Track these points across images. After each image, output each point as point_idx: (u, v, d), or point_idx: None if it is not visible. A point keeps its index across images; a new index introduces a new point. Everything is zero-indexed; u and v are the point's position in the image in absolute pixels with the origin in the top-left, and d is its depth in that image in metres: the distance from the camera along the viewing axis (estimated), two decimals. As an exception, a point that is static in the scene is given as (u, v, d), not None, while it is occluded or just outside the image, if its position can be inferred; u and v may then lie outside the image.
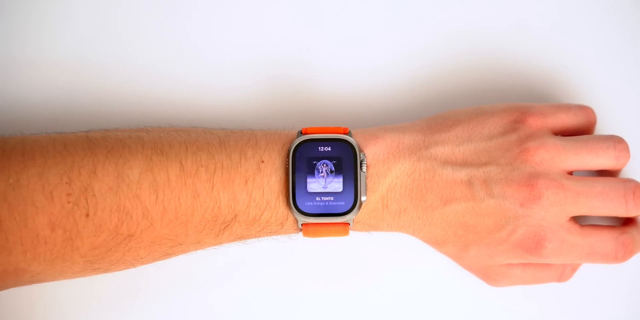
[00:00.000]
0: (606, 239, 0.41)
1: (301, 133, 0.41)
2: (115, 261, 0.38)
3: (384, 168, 0.40)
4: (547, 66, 0.49)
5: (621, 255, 0.41)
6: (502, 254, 0.42)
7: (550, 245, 0.40)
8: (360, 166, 0.40)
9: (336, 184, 0.40)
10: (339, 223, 0.40)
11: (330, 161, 0.40)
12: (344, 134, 0.41)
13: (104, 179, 0.37)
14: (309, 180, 0.39)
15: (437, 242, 0.43)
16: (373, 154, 0.41)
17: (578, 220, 0.44)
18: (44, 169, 0.36)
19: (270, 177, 0.39)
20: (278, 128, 0.43)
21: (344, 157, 0.40)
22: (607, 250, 0.41)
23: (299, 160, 0.40)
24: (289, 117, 0.48)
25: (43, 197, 0.36)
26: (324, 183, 0.40)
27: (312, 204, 0.39)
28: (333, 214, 0.40)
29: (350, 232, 0.41)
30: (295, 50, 0.48)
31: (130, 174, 0.37)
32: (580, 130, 0.44)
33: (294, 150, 0.40)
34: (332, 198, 0.40)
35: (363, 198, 0.40)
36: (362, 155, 0.40)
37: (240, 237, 0.41)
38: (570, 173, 0.42)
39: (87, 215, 0.36)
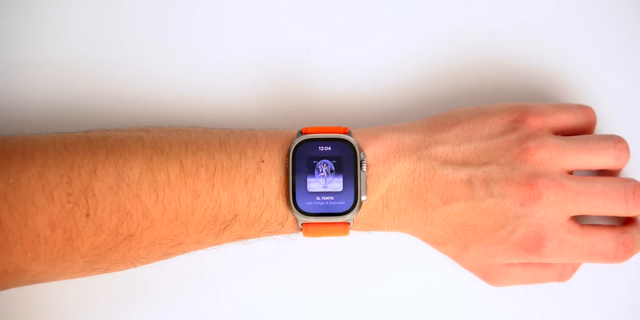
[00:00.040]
0: (606, 239, 0.41)
1: (301, 133, 0.41)
2: (116, 261, 0.38)
3: (384, 168, 0.40)
4: (547, 66, 0.49)
5: (621, 254, 0.41)
6: (502, 253, 0.42)
7: (551, 244, 0.40)
8: (361, 166, 0.40)
9: (336, 184, 0.40)
10: (339, 223, 0.40)
11: (331, 161, 0.40)
12: (344, 133, 0.41)
13: (104, 179, 0.37)
14: (309, 179, 0.39)
15: (437, 242, 0.43)
16: (373, 153, 0.41)
17: (578, 219, 0.44)
18: (44, 169, 0.36)
19: (270, 177, 0.39)
20: (278, 128, 0.43)
21: (344, 157, 0.40)
22: (608, 250, 0.41)
23: (299, 160, 0.40)
24: (289, 117, 0.48)
25: (43, 197, 0.35)
26: (324, 183, 0.40)
27: (312, 203, 0.39)
28: (333, 214, 0.40)
29: (350, 231, 0.41)
30: (295, 50, 0.48)
31: (130, 174, 0.37)
32: (581, 130, 0.44)
33: (294, 150, 0.40)
34: (332, 198, 0.40)
35: (363, 198, 0.40)
36: (362, 155, 0.40)
37: (241, 237, 0.41)
38: (571, 173, 0.42)
39: (87, 215, 0.36)
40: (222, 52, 0.48)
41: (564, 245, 0.41)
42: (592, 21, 0.49)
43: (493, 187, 0.40)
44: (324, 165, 0.40)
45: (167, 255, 0.40)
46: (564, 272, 0.44)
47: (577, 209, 0.40)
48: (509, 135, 0.41)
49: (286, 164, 0.40)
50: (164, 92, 0.47)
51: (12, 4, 0.47)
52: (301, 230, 0.40)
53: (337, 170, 0.40)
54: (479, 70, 0.49)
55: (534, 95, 0.49)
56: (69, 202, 0.36)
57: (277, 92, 0.48)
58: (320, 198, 0.40)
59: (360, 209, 0.40)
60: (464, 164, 0.41)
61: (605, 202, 0.40)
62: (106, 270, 0.39)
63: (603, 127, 0.47)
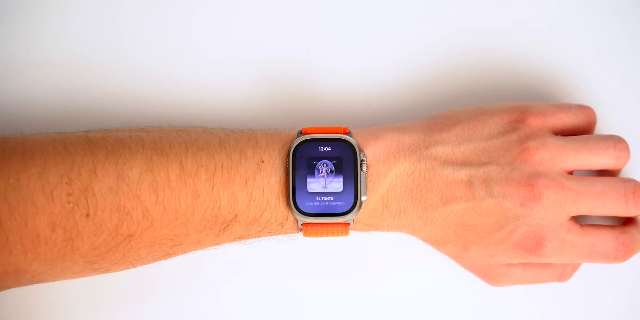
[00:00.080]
0: (606, 239, 0.41)
1: (301, 133, 0.41)
2: (116, 261, 0.38)
3: (384, 168, 0.40)
4: (547, 66, 0.49)
5: (621, 254, 0.41)
6: (502, 253, 0.42)
7: (551, 244, 0.40)
8: (361, 166, 0.40)
9: (336, 184, 0.40)
10: (339, 223, 0.40)
11: (331, 161, 0.40)
12: (344, 133, 0.41)
13: (104, 179, 0.37)
14: (309, 180, 0.39)
15: (437, 242, 0.43)
16: (373, 153, 0.41)
17: (578, 220, 0.44)
18: (44, 169, 0.36)
19: (270, 177, 0.39)
20: (278, 128, 0.43)
21: (344, 157, 0.40)
22: (607, 250, 0.41)
23: (299, 160, 0.40)
24: (289, 117, 0.48)
25: (43, 197, 0.36)
26: (324, 183, 0.40)
27: (312, 203, 0.39)
28: (333, 214, 0.40)
29: (350, 232, 0.41)
30: (295, 50, 0.48)
31: (131, 174, 0.37)
32: (581, 130, 0.44)
33: (294, 150, 0.40)
34: (332, 198, 0.40)
35: (363, 198, 0.40)
36: (362, 155, 0.40)
37: (241, 237, 0.41)
38: (571, 173, 0.42)
39: (88, 215, 0.36)
40: (222, 52, 0.48)
41: (564, 245, 0.41)
42: (592, 21, 0.49)
43: (493, 187, 0.40)
44: (324, 165, 0.40)
45: (167, 255, 0.40)
46: (564, 272, 0.44)
47: (577, 209, 0.40)
48: (509, 135, 0.41)
49: (286, 164, 0.40)
50: (164, 92, 0.47)
51: (13, 4, 0.47)
52: (301, 230, 0.40)
53: (337, 170, 0.40)
54: (479, 70, 0.49)
55: (534, 95, 0.49)
56: (69, 202, 0.36)
57: (277, 92, 0.48)
58: (320, 198, 0.40)
59: (360, 209, 0.40)
60: (464, 164, 0.41)
61: (605, 202, 0.40)
62: (106, 271, 0.39)
63: (603, 127, 0.47)
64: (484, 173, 0.40)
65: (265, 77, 0.48)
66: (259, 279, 0.46)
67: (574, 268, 0.45)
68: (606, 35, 0.49)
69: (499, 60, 0.49)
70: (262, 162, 0.39)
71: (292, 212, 0.39)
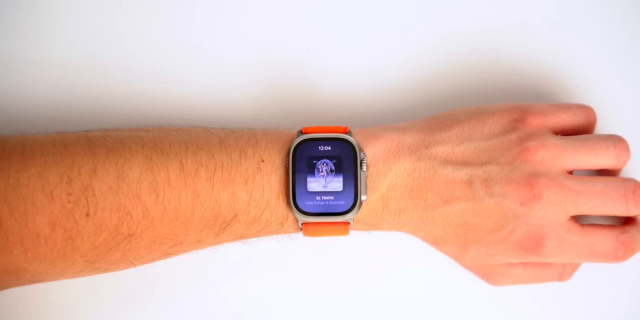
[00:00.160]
0: (606, 238, 0.41)
1: (301, 132, 0.41)
2: (116, 261, 0.38)
3: (384, 167, 0.40)
4: (547, 66, 0.49)
5: (621, 254, 0.41)
6: (502, 253, 0.42)
7: (551, 244, 0.40)
8: (361, 165, 0.40)
9: (336, 184, 0.40)
10: (339, 222, 0.40)
11: (331, 160, 0.40)
12: (344, 133, 0.41)
13: (104, 178, 0.37)
14: (309, 179, 0.40)
15: (437, 242, 0.43)
16: (373, 153, 0.41)
17: (578, 219, 0.44)
18: (44, 169, 0.36)
19: (270, 177, 0.39)
20: (278, 127, 0.43)
21: (344, 157, 0.40)
22: (607, 250, 0.41)
23: (299, 159, 0.40)
24: (288, 116, 0.48)
25: (43, 197, 0.36)
26: (324, 182, 0.40)
27: (312, 203, 0.39)
28: (333, 213, 0.40)
29: (350, 231, 0.41)
30: (295, 50, 0.49)
31: (131, 174, 0.37)
32: (581, 130, 0.44)
33: (294, 149, 0.40)
34: (332, 197, 0.40)
35: (363, 197, 0.40)
36: (362, 155, 0.40)
37: (241, 237, 0.41)
38: (571, 172, 0.42)
39: (88, 214, 0.36)
40: (222, 51, 0.48)
41: (564, 245, 0.40)
42: (592, 21, 0.49)
43: (493, 187, 0.40)
44: (324, 164, 0.40)
45: (167, 254, 0.40)
46: (564, 272, 0.44)
47: (577, 209, 0.40)
48: (509, 134, 0.41)
49: (286, 163, 0.40)
50: (164, 92, 0.47)
51: (13, 4, 0.47)
52: (301, 229, 0.40)
53: (337, 169, 0.40)
54: (479, 70, 0.49)
55: (534, 95, 0.49)
56: (69, 202, 0.36)
57: (277, 92, 0.48)
58: (320, 198, 0.40)
59: (360, 209, 0.40)
60: (464, 163, 0.41)
61: (605, 201, 0.40)
62: (106, 270, 0.39)
63: (603, 127, 0.47)
64: (484, 173, 0.40)
65: (265, 76, 0.48)
66: (259, 278, 0.46)
67: (574, 268, 0.45)
68: (606, 35, 0.49)
69: (499, 60, 0.49)
70: (262, 161, 0.39)
71: (292, 212, 0.39)
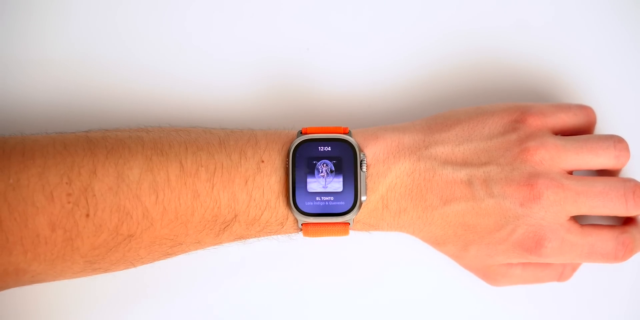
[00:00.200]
0: (606, 239, 0.41)
1: (301, 133, 0.41)
2: (116, 261, 0.38)
3: (384, 168, 0.40)
4: (547, 66, 0.49)
5: (621, 254, 0.41)
6: (502, 253, 0.42)
7: (550, 244, 0.40)
8: (360, 166, 0.40)
9: (336, 184, 0.40)
10: (339, 223, 0.40)
11: (330, 161, 0.40)
12: (344, 133, 0.41)
13: (104, 179, 0.37)
14: (309, 180, 0.40)
15: (437, 242, 0.43)
16: (373, 153, 0.41)
17: (578, 219, 0.44)
18: (44, 169, 0.36)
19: (270, 177, 0.39)
20: (278, 128, 0.43)
21: (344, 157, 0.40)
22: (607, 250, 0.41)
23: (299, 160, 0.40)
24: (288, 117, 0.48)
25: (43, 197, 0.36)
26: (324, 183, 0.40)
27: (312, 203, 0.39)
28: (333, 214, 0.40)
29: (350, 231, 0.41)
30: (295, 50, 0.48)
31: (130, 174, 0.37)
32: (580, 130, 0.44)
33: (294, 150, 0.40)
34: (332, 198, 0.40)
35: (363, 198, 0.40)
36: (362, 155, 0.40)
37: (240, 237, 0.41)
38: (570, 173, 0.42)
39: (87, 215, 0.36)
40: (222, 52, 0.48)
41: (564, 245, 0.41)
42: (592, 21, 0.49)
43: (493, 187, 0.40)
44: (324, 165, 0.40)
45: (167, 255, 0.40)
46: (563, 272, 0.44)
47: (576, 209, 0.40)
48: (508, 135, 0.41)
49: (286, 164, 0.40)
50: (164, 92, 0.47)
51: (13, 4, 0.47)
52: (301, 230, 0.40)
53: (337, 170, 0.40)
54: (479, 70, 0.49)
55: (534, 95, 0.49)
56: (69, 203, 0.36)
57: (277, 92, 0.48)
58: (320, 198, 0.40)
59: (360, 209, 0.40)
60: (464, 164, 0.41)
61: (605, 202, 0.40)
62: (106, 270, 0.39)
63: (603, 127, 0.47)
64: (483, 173, 0.40)
65: (265, 77, 0.48)
66: (259, 278, 0.46)
67: (574, 268, 0.45)
68: (606, 35, 0.49)
69: (499, 60, 0.49)
70: (262, 162, 0.39)
71: (292, 212, 0.39)
